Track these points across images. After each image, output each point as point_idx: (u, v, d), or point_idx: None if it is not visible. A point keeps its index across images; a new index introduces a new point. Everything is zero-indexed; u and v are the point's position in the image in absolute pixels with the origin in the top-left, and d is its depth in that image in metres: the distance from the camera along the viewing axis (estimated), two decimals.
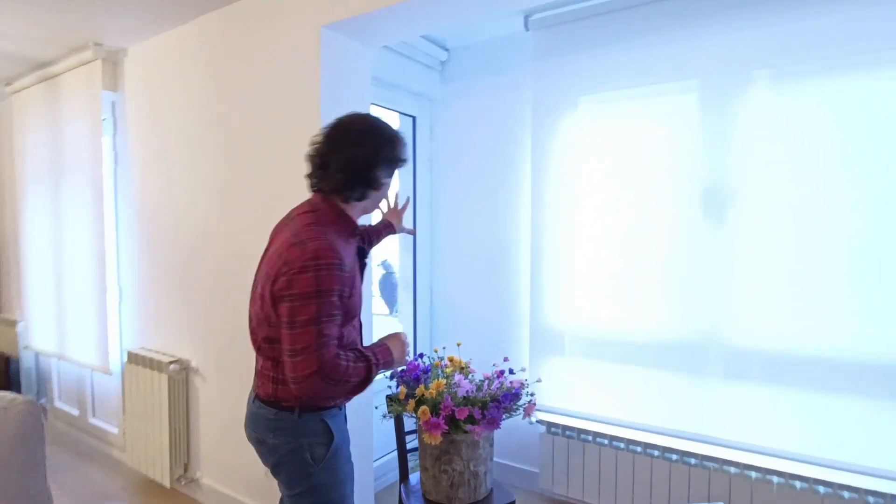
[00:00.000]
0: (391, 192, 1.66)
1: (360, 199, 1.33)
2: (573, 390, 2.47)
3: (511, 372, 1.93)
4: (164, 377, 2.55)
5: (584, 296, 2.43)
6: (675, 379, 2.23)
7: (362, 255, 1.43)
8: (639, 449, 2.31)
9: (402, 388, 1.83)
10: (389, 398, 1.91)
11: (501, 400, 1.76)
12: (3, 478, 1.16)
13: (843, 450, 1.91)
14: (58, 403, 3.62)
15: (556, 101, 2.49)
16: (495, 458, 2.80)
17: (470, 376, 1.90)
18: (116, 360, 2.95)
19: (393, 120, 2.91)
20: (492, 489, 1.91)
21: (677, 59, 2.18)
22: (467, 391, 1.78)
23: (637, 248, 2.29)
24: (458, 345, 2.15)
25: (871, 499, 1.87)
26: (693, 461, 2.20)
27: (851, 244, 1.88)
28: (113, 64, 2.87)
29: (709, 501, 2.13)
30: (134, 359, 2.75)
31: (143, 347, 2.84)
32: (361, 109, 2.19)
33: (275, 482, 1.41)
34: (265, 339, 1.29)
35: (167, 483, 2.60)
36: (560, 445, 2.48)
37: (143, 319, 2.86)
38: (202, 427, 2.58)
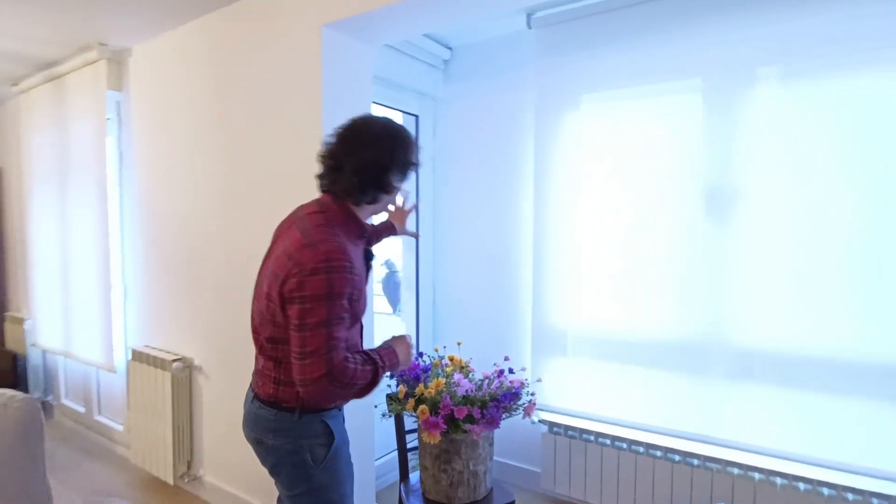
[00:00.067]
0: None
1: (372, 202, 1.32)
2: (575, 390, 2.46)
3: (511, 371, 1.92)
4: (168, 375, 2.57)
5: (587, 295, 2.42)
6: (677, 379, 2.21)
7: (369, 257, 1.42)
8: (641, 449, 2.30)
9: (402, 387, 1.83)
10: (389, 397, 1.91)
11: (501, 399, 1.76)
12: (2, 475, 1.17)
13: (848, 451, 1.89)
14: (64, 400, 3.66)
15: (558, 100, 2.47)
16: (497, 458, 2.80)
17: (470, 375, 1.89)
18: (121, 358, 2.97)
19: (396, 119, 2.91)
20: (492, 489, 1.91)
21: (680, 57, 2.16)
22: (467, 390, 1.78)
23: (639, 247, 2.28)
24: (459, 344, 2.15)
25: (875, 501, 1.85)
26: (696, 462, 2.18)
27: (853, 244, 1.86)
28: (117, 64, 2.89)
29: (711, 503, 2.11)
30: (138, 357, 2.76)
31: (147, 345, 2.85)
32: (363, 108, 2.20)
33: None
34: (268, 338, 1.28)
35: (170, 480, 2.62)
36: (562, 445, 2.47)
37: (147, 317, 2.88)
38: (205, 425, 2.59)
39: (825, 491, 1.93)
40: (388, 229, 1.72)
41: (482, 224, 2.84)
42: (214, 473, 2.57)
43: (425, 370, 1.89)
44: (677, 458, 2.22)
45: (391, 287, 4.39)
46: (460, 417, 1.69)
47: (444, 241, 3.00)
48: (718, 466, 2.13)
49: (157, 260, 2.78)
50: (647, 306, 2.27)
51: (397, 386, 1.88)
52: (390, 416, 1.93)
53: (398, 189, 1.37)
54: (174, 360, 2.57)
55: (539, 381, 2.39)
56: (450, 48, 2.89)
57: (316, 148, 2.02)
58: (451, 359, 1.97)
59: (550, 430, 2.51)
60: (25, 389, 3.71)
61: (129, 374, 2.84)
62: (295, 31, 2.08)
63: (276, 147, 2.18)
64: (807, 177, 1.93)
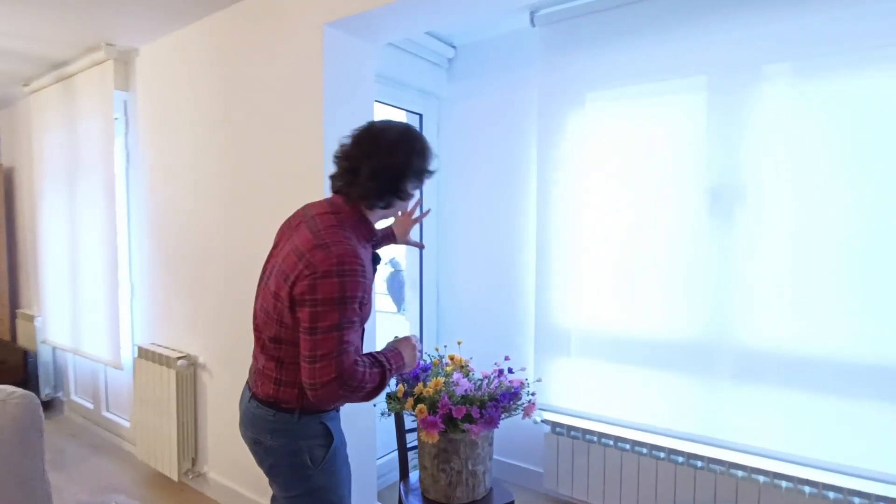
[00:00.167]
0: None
1: (386, 207, 1.31)
2: (579, 390, 2.44)
3: (510, 371, 1.91)
4: (173, 372, 2.59)
5: (591, 295, 2.40)
6: (681, 380, 2.19)
7: (375, 260, 1.41)
8: (644, 450, 2.28)
9: (401, 386, 1.83)
10: (388, 396, 1.91)
11: (500, 399, 1.75)
12: (0, 470, 1.18)
13: (855, 455, 1.86)
14: (74, 397, 3.71)
15: (562, 99, 2.46)
16: (500, 458, 2.79)
17: (469, 375, 1.89)
18: (128, 355, 3.00)
19: (399, 118, 2.91)
20: (491, 489, 1.90)
21: (685, 55, 2.14)
22: (466, 390, 1.77)
23: (643, 247, 2.25)
24: (459, 343, 2.14)
25: None
26: (699, 464, 2.16)
27: (860, 244, 1.82)
28: (124, 64, 2.92)
29: None
30: (143, 354, 2.79)
31: (152, 343, 2.88)
32: (365, 107, 2.20)
33: None
34: (272, 338, 1.26)
35: (175, 477, 2.64)
36: (565, 446, 2.46)
37: (153, 315, 2.91)
38: (209, 422, 2.61)
39: (830, 495, 1.90)
40: (387, 237, 1.66)
41: (486, 223, 2.83)
42: (218, 470, 2.58)
43: (425, 369, 1.89)
44: (681, 459, 2.20)
45: (395, 286, 4.39)
46: (459, 417, 1.69)
47: (447, 240, 2.99)
48: (722, 468, 2.10)
49: (163, 258, 2.80)
50: (651, 306, 2.24)
51: (396, 385, 1.88)
52: (389, 415, 1.92)
53: (412, 196, 1.36)
54: (179, 358, 2.59)
55: (539, 380, 2.37)
56: (454, 47, 2.89)
57: (317, 147, 2.04)
58: (452, 358, 1.96)
59: (553, 431, 2.50)
60: (36, 385, 3.77)
61: (135, 371, 2.87)
62: (296, 30, 2.09)
63: (278, 146, 2.19)
64: (812, 176, 1.89)
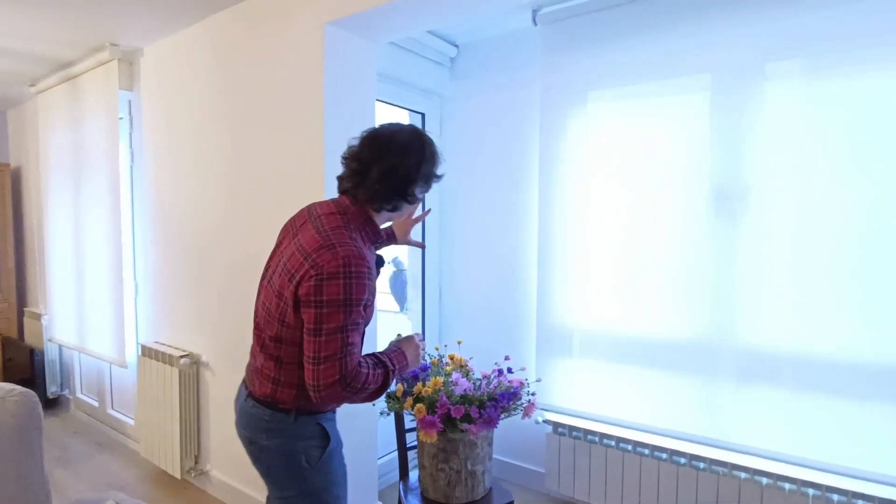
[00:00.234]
0: None
1: (393, 210, 1.31)
2: (581, 390, 2.43)
3: (510, 371, 1.91)
4: (176, 371, 2.60)
5: (593, 295, 2.39)
6: (683, 381, 2.17)
7: (380, 263, 1.40)
8: (646, 451, 2.26)
9: (400, 386, 1.83)
10: (388, 395, 1.91)
11: (499, 399, 1.74)
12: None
13: (859, 457, 1.83)
14: (80, 394, 3.74)
15: (564, 98, 2.44)
16: (501, 457, 2.79)
17: (469, 375, 1.88)
18: (132, 354, 3.02)
19: (402, 117, 2.91)
20: (490, 489, 1.89)
21: (688, 53, 2.12)
22: (465, 390, 1.77)
23: (647, 247, 2.24)
24: (459, 343, 2.13)
25: None
26: (702, 465, 2.14)
27: (868, 244, 1.80)
28: (129, 64, 2.94)
29: None
30: (147, 352, 2.81)
31: (156, 341, 2.90)
32: (366, 106, 2.20)
33: None
34: (273, 337, 1.25)
35: (178, 474, 2.65)
36: (566, 446, 2.45)
37: (157, 314, 2.93)
38: (212, 420, 2.62)
39: (835, 497, 1.88)
40: (388, 237, 1.64)
41: (488, 222, 2.82)
42: (221, 468, 2.60)
43: (424, 369, 1.88)
44: (683, 460, 2.18)
45: (398, 285, 4.39)
46: (457, 417, 1.68)
47: (450, 239, 2.99)
48: (725, 470, 2.08)
49: (167, 257, 2.82)
50: (654, 307, 2.23)
51: (395, 384, 1.88)
52: (389, 415, 1.92)
53: (420, 200, 1.35)
54: (182, 356, 2.60)
55: (539, 380, 2.37)
56: (456, 45, 2.88)
57: (318, 146, 2.04)
58: (452, 357, 1.96)
59: (555, 431, 2.49)
60: (42, 383, 3.80)
61: (139, 369, 2.89)
62: (298, 30, 2.09)
63: (280, 146, 2.19)
64: (815, 176, 1.87)
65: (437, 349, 2.01)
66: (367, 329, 1.44)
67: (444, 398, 1.71)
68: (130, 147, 3.01)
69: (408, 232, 1.67)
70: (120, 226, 2.92)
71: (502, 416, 1.76)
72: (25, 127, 4.08)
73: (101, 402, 3.50)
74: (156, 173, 2.86)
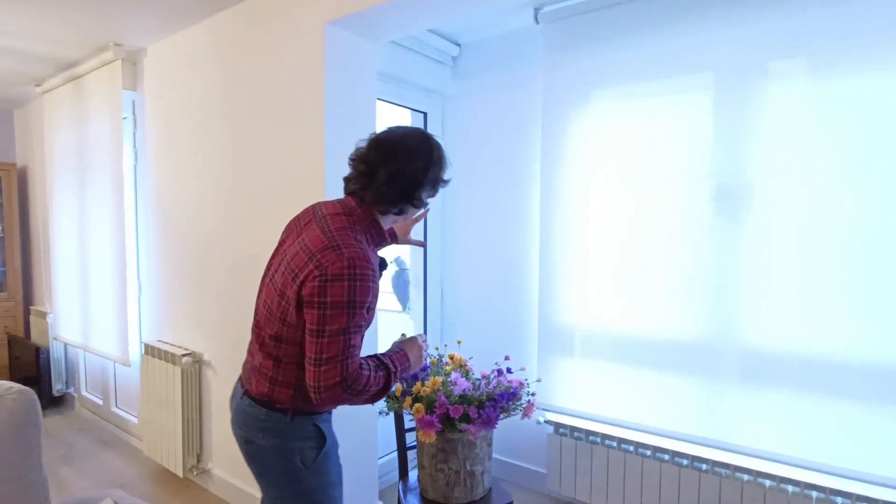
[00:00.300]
0: None
1: (399, 213, 1.30)
2: (582, 391, 2.41)
3: (509, 371, 1.90)
4: (178, 369, 2.61)
5: (595, 295, 2.37)
6: (686, 381, 2.15)
7: (382, 266, 1.40)
8: (648, 452, 2.25)
9: (399, 385, 1.82)
10: (387, 395, 1.91)
11: (498, 399, 1.73)
12: None
13: (864, 459, 1.81)
14: (84, 392, 3.76)
15: (566, 97, 2.43)
16: (503, 458, 2.78)
17: (468, 374, 1.87)
18: (136, 352, 3.04)
19: (403, 117, 2.91)
20: (490, 489, 1.89)
21: (690, 52, 2.10)
22: (464, 389, 1.76)
23: (649, 246, 2.22)
24: (459, 342, 2.13)
25: None
26: (704, 467, 2.12)
27: (873, 244, 1.78)
28: (132, 64, 2.95)
29: None
30: (150, 351, 2.82)
31: (159, 340, 2.91)
32: (366, 106, 2.19)
33: None
34: (273, 336, 1.25)
35: (180, 473, 2.66)
36: (568, 447, 2.43)
37: (159, 313, 2.94)
38: (214, 419, 2.63)
39: (839, 500, 1.86)
40: (389, 237, 1.67)
41: (490, 221, 2.82)
42: (223, 467, 2.60)
43: (424, 368, 1.88)
44: (685, 462, 2.17)
45: (400, 284, 4.39)
46: (456, 417, 1.67)
47: (452, 238, 2.98)
48: (727, 472, 2.07)
49: (170, 256, 2.83)
50: (656, 307, 2.21)
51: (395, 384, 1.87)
52: (388, 414, 1.92)
53: (426, 204, 1.34)
54: (184, 355, 2.61)
55: (538, 381, 2.36)
56: (458, 45, 2.87)
57: (318, 146, 2.04)
58: (451, 357, 1.95)
59: (556, 431, 2.48)
60: (48, 381, 3.83)
61: (143, 367, 2.90)
62: (298, 29, 2.09)
63: (281, 145, 2.19)
64: (819, 175, 1.85)
65: (437, 349, 2.01)
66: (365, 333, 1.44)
67: (443, 398, 1.70)
68: (134, 147, 3.03)
69: (408, 231, 1.66)
70: (123, 225, 2.94)
71: (501, 416, 1.75)
72: (31, 127, 4.11)
73: (106, 400, 3.52)
74: (158, 173, 2.87)
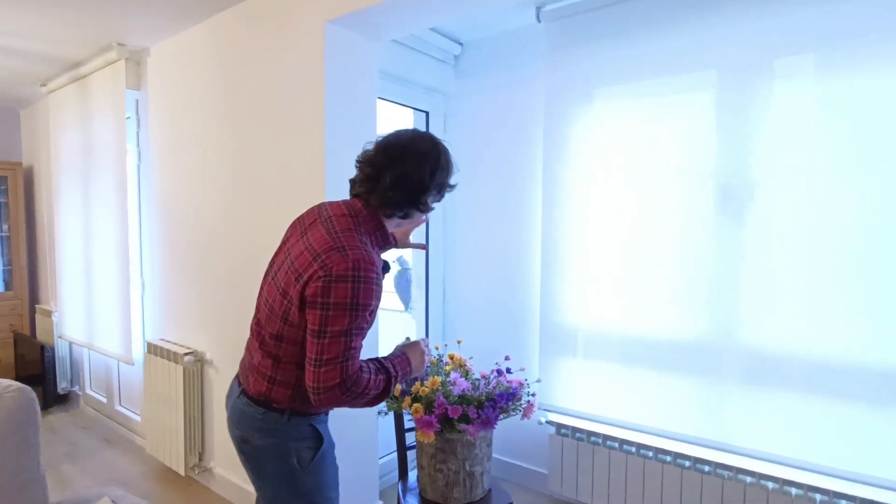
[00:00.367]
0: None
1: (404, 217, 1.29)
2: (584, 391, 2.40)
3: (509, 371, 1.89)
4: (180, 368, 2.62)
5: (597, 296, 2.36)
6: (688, 382, 2.14)
7: (385, 269, 1.38)
8: (650, 454, 2.23)
9: (398, 385, 1.81)
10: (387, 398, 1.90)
11: (497, 400, 1.72)
12: None
13: (868, 462, 1.79)
14: (89, 390, 3.78)
15: (569, 95, 2.42)
16: (504, 458, 2.77)
17: (468, 374, 1.87)
18: (139, 351, 3.05)
19: (405, 116, 2.90)
20: (489, 490, 1.88)
21: (694, 50, 2.08)
22: (463, 389, 1.75)
23: (652, 246, 2.21)
24: (459, 342, 2.12)
25: None
26: (706, 468, 2.11)
27: (877, 244, 1.75)
28: (136, 63, 2.96)
29: None
30: (152, 349, 2.83)
31: (162, 339, 2.92)
32: (367, 105, 2.19)
33: None
34: (273, 335, 1.24)
35: (182, 471, 2.67)
36: (569, 447, 2.42)
37: (163, 311, 2.95)
38: (216, 418, 2.64)
39: (842, 503, 1.84)
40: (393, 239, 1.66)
41: (492, 221, 2.81)
42: (224, 466, 2.61)
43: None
44: (687, 463, 2.15)
45: (403, 284, 4.39)
46: (454, 417, 1.67)
47: (454, 238, 2.97)
48: (730, 473, 2.05)
49: (172, 255, 2.84)
50: (658, 307, 2.20)
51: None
52: (387, 414, 1.91)
53: (432, 209, 1.34)
54: (186, 354, 2.62)
55: (538, 381, 2.34)
56: (460, 43, 2.86)
57: (319, 145, 2.04)
58: (451, 357, 1.94)
59: (558, 432, 2.46)
60: (53, 379, 3.85)
61: (145, 366, 2.91)
62: (299, 28, 2.09)
63: (281, 145, 2.19)
64: (823, 175, 1.83)
65: (437, 348, 2.00)
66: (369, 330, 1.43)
67: (442, 398, 1.70)
68: (137, 146, 3.04)
69: (407, 234, 1.65)
70: (127, 224, 2.95)
71: (500, 416, 1.74)
72: (37, 126, 4.14)
73: (109, 399, 3.54)
74: (160, 172, 2.88)
